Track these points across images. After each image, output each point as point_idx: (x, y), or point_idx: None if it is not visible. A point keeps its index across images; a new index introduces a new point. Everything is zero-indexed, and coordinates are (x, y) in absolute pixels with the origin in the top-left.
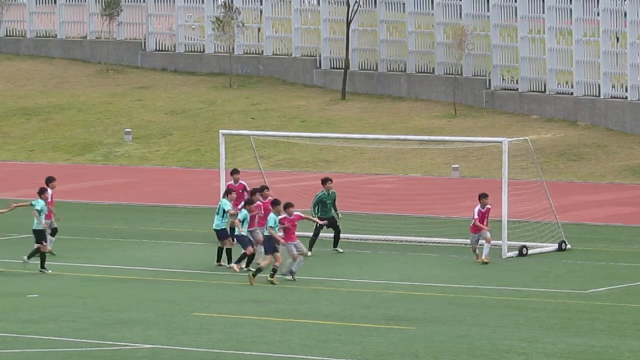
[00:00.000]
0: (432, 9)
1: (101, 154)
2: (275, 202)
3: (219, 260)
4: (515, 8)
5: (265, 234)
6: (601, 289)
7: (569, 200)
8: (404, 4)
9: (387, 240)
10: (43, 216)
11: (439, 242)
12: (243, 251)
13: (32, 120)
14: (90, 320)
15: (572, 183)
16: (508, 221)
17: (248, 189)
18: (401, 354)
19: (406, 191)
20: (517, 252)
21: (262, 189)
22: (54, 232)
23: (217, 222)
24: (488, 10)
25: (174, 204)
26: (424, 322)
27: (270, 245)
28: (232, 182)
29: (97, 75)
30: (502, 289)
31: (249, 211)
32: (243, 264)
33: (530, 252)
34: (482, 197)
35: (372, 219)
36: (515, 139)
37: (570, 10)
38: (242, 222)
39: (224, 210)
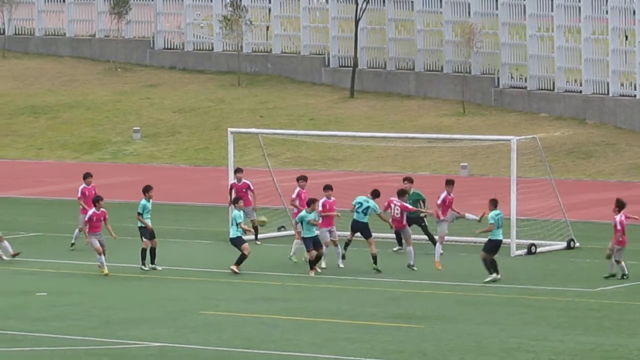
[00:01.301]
0: (441, 7)
1: (110, 152)
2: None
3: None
4: (524, 6)
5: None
6: (610, 287)
7: (578, 199)
8: (412, 2)
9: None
10: (148, 215)
11: (447, 241)
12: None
13: (40, 119)
14: (98, 319)
15: (581, 181)
16: (517, 219)
17: (252, 187)
18: (410, 352)
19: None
20: (525, 250)
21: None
22: None
23: (232, 232)
24: (497, 9)
25: (182, 202)
26: (433, 321)
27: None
28: (235, 181)
29: (106, 74)
30: (510, 287)
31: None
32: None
33: (538, 250)
34: (448, 183)
35: None
36: (523, 137)
37: (579, 8)
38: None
39: (236, 221)
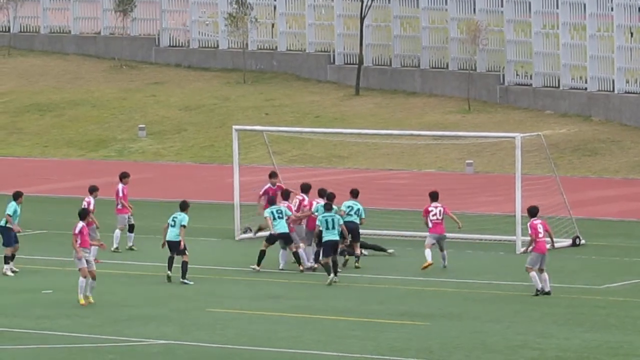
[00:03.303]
0: (446, 4)
1: (115, 150)
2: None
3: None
4: (529, 3)
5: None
6: (616, 284)
7: (583, 196)
8: None
9: (401, 236)
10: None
11: (453, 238)
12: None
13: (46, 116)
14: (104, 316)
15: (586, 178)
16: (522, 217)
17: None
18: (415, 350)
19: (420, 187)
20: (531, 247)
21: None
22: (131, 228)
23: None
24: (502, 6)
25: (188, 200)
26: (438, 318)
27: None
28: (269, 185)
29: (111, 71)
30: (516, 284)
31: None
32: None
33: None
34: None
35: (386, 214)
36: (528, 134)
37: (584, 5)
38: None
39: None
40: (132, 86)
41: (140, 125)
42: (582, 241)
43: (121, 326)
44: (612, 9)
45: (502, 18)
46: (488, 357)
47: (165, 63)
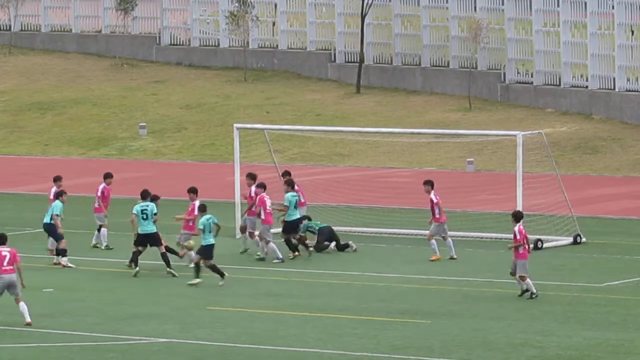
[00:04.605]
0: (447, 2)
1: (116, 148)
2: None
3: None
4: (530, 1)
5: None
6: (617, 282)
7: (584, 194)
8: None
9: (402, 234)
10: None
11: (454, 236)
12: None
13: (47, 115)
14: (105, 315)
15: (587, 176)
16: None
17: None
18: (416, 348)
19: (421, 185)
20: (532, 245)
21: None
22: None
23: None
24: (503, 4)
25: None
26: (439, 316)
27: None
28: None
29: (112, 70)
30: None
31: None
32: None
33: (545, 245)
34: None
35: (387, 212)
36: (529, 132)
37: (585, 3)
38: None
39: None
40: (132, 84)
41: (141, 124)
42: (583, 239)
43: (122, 324)
44: (613, 7)
45: (503, 16)
46: (489, 355)
47: (166, 61)
